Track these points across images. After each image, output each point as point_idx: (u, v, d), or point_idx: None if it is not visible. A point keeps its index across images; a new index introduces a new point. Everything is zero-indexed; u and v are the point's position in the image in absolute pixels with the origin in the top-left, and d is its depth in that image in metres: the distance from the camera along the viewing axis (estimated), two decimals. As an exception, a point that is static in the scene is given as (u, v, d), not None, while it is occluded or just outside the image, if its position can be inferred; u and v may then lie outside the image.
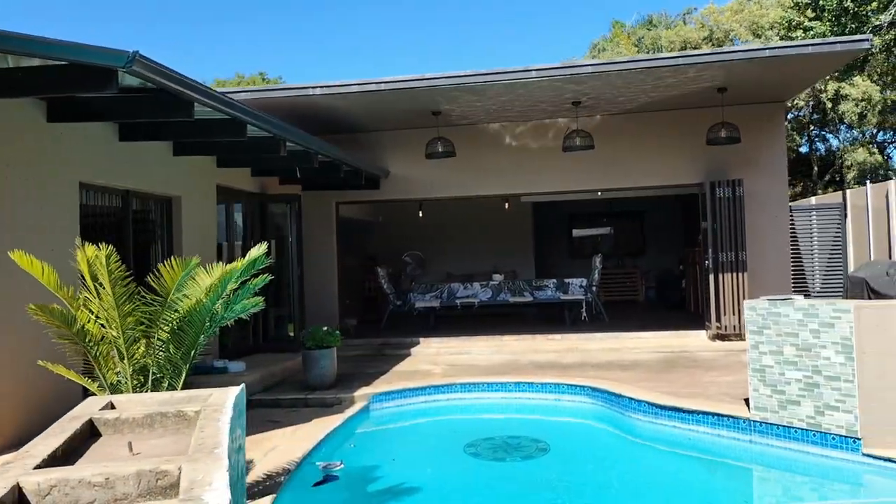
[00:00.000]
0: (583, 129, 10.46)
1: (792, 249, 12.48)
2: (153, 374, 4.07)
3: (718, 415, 6.48)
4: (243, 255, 4.72)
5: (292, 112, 10.43)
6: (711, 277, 10.72)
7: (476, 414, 8.45)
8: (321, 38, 59.13)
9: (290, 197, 10.75)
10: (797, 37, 16.74)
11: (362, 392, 8.30)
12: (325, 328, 8.55)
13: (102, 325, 4.15)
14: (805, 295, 12.11)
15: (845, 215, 12.03)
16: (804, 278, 12.33)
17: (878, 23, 16.10)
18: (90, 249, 4.12)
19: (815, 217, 12.39)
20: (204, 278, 4.22)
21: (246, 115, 6.63)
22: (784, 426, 5.97)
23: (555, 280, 13.41)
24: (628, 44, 34.46)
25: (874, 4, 15.28)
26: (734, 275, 10.64)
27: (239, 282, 4.38)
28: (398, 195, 12.10)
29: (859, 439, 5.46)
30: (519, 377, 8.88)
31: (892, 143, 27.61)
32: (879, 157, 24.20)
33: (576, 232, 20.29)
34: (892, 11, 15.30)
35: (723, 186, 10.66)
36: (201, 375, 8.45)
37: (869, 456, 5.39)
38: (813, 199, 14.81)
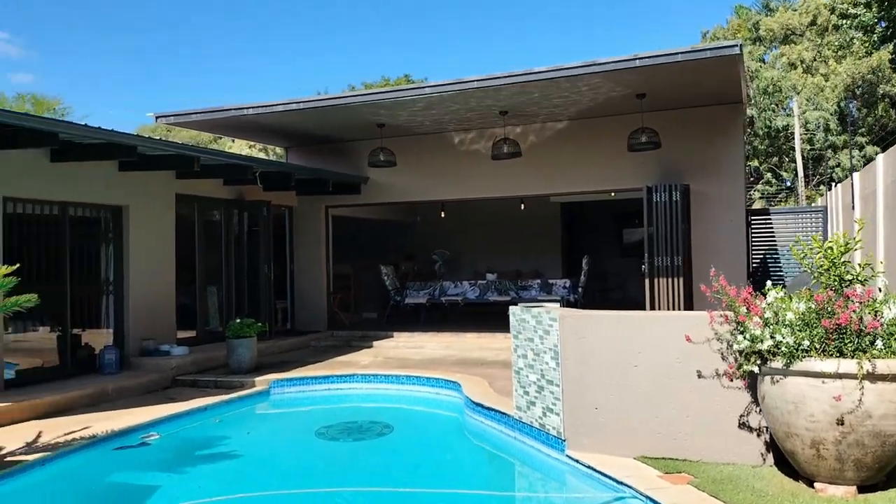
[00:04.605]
0: (513, 137, 10.92)
1: (774, 253, 12.08)
2: None
3: (499, 412, 6.95)
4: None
5: (265, 127, 11.88)
6: (647, 282, 10.74)
7: (361, 402, 9.26)
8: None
9: (261, 203, 12.08)
10: (843, 25, 15.68)
11: (267, 377, 9.41)
12: (240, 320, 9.76)
13: None
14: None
15: (826, 218, 11.44)
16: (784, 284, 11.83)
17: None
18: None
19: (800, 221, 11.87)
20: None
21: (123, 139, 7.99)
22: (528, 424, 6.39)
23: (539, 280, 13.79)
24: (744, 30, 32.89)
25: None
26: (670, 280, 10.60)
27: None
28: (375, 199, 13.11)
29: (564, 441, 5.81)
30: (415, 371, 9.60)
31: None
32: None
33: (626, 231, 20.09)
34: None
35: (660, 191, 10.64)
36: (145, 357, 10.01)
37: (569, 457, 5.74)
38: (807, 203, 13.99)
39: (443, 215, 17.06)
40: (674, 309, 10.49)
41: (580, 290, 13.72)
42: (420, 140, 12.54)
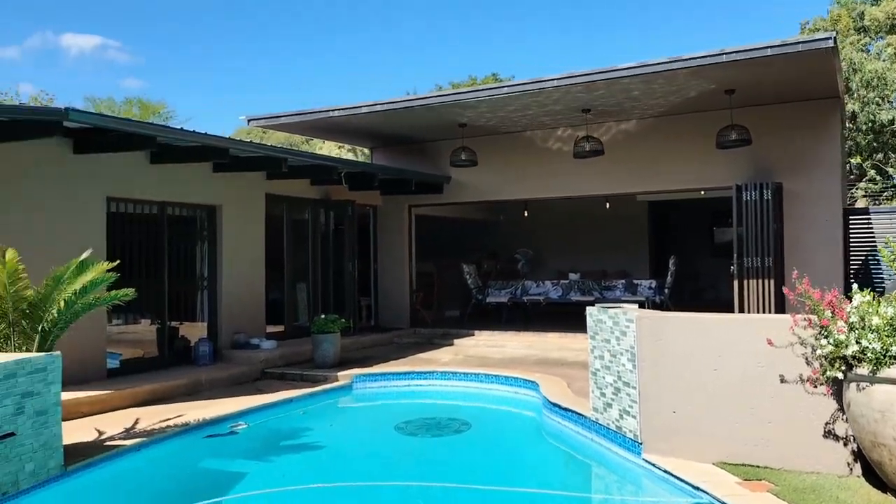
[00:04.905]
0: (595, 134, 10.80)
1: (875, 255, 11.50)
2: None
3: (576, 413, 6.91)
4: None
5: (351, 129, 12.21)
6: (736, 283, 10.41)
7: (440, 399, 9.36)
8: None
9: (346, 203, 12.39)
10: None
11: (350, 372, 9.66)
12: (324, 316, 10.05)
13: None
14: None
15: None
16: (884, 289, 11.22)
17: None
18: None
19: (904, 220, 11.21)
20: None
21: (215, 142, 8.39)
22: (604, 426, 6.33)
23: (623, 281, 13.57)
24: (846, 19, 31.30)
25: None
26: (760, 281, 10.24)
27: (78, 279, 5.95)
28: (457, 199, 13.23)
29: (640, 444, 5.73)
30: (494, 370, 9.64)
31: None
32: None
33: (718, 231, 19.46)
34: None
35: (750, 189, 10.29)
36: (237, 350, 10.45)
37: (645, 461, 5.66)
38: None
39: (526, 214, 17.02)
40: (764, 311, 10.14)
41: (667, 290, 13.41)
42: (501, 139, 12.57)
